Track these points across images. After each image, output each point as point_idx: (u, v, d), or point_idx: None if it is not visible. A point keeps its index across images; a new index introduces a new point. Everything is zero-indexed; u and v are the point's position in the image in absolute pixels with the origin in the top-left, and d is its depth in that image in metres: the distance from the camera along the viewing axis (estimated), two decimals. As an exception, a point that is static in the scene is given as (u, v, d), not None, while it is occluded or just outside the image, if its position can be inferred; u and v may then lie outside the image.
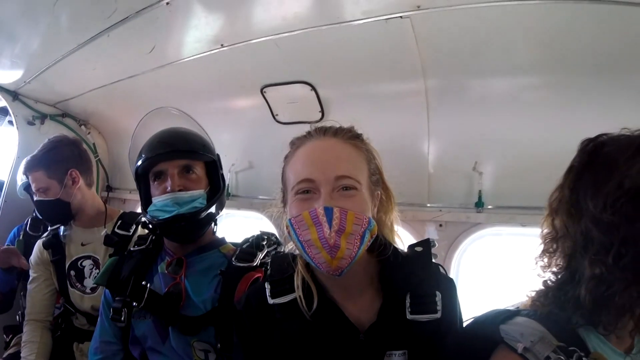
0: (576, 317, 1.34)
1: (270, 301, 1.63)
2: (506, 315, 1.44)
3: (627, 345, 1.38)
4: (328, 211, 1.43)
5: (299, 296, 1.59)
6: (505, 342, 1.36)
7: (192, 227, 2.17)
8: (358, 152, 1.59)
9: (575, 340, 1.30)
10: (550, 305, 1.40)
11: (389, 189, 1.70)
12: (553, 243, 1.47)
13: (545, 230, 1.51)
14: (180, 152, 2.15)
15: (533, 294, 1.50)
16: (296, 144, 1.66)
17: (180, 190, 2.10)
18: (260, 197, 3.70)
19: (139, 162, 2.16)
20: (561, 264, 1.44)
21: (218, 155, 2.33)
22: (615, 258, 1.26)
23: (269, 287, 1.66)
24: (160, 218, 2.09)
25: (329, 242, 1.40)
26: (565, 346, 1.27)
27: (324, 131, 1.63)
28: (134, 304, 2.10)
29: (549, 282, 1.47)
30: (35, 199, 3.12)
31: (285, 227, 1.58)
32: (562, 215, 1.44)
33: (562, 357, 1.24)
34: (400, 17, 2.23)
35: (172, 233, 2.19)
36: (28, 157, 3.14)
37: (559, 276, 1.44)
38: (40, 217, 3.40)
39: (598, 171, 1.37)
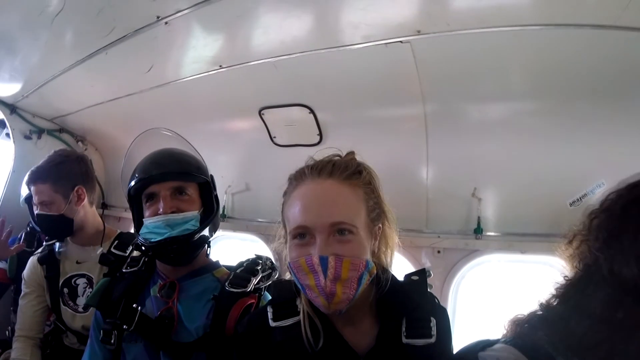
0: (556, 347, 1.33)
1: (272, 324, 1.64)
2: (485, 344, 1.46)
3: None
4: (323, 260, 1.45)
5: (303, 321, 1.60)
6: None
7: (185, 250, 2.12)
8: (355, 192, 1.59)
9: None
10: (534, 334, 1.40)
11: (388, 218, 1.69)
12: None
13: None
14: (173, 174, 2.12)
15: (512, 322, 1.50)
16: (293, 182, 1.67)
17: (173, 212, 2.07)
18: (257, 219, 3.68)
19: (132, 183, 2.14)
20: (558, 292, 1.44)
21: (212, 176, 2.31)
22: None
23: (271, 310, 1.66)
24: (152, 240, 2.06)
25: (325, 290, 1.44)
26: None
27: (319, 171, 1.62)
28: (125, 326, 2.06)
29: (545, 302, 1.46)
30: (36, 212, 3.06)
31: (287, 266, 1.60)
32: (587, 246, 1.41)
33: None
34: (401, 41, 2.22)
35: (164, 256, 2.15)
36: (33, 168, 3.08)
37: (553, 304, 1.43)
38: (38, 230, 3.36)
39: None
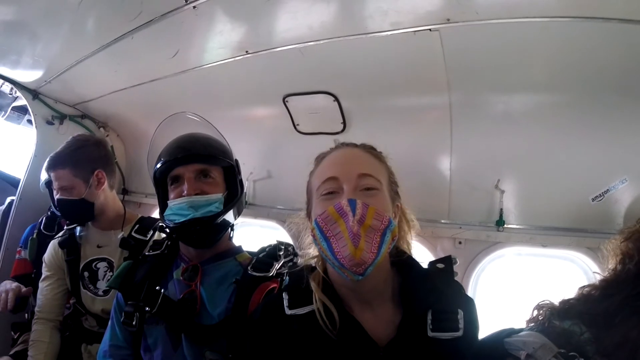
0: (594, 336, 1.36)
1: (288, 312, 1.62)
2: (510, 331, 1.50)
3: None
4: (352, 202, 1.47)
5: (318, 309, 1.57)
6: (509, 353, 1.40)
7: (208, 232, 2.14)
8: (378, 162, 1.67)
9: (577, 349, 1.32)
10: (566, 323, 1.42)
11: (406, 214, 1.74)
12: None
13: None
14: (197, 157, 2.14)
15: (539, 311, 1.54)
16: (319, 158, 1.76)
17: (196, 194, 2.09)
18: (279, 206, 3.67)
19: (157, 166, 2.16)
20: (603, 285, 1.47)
21: (237, 160, 2.32)
22: None
23: (287, 297, 1.65)
24: (176, 222, 2.08)
25: (353, 230, 1.43)
26: (565, 352, 1.31)
27: (347, 144, 1.74)
28: (147, 309, 2.09)
29: (585, 292, 1.50)
30: (57, 197, 3.07)
31: (310, 231, 1.59)
32: None
33: None
34: (430, 29, 2.21)
35: (187, 237, 2.17)
36: (52, 154, 3.10)
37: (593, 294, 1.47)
38: (59, 215, 3.38)
39: None
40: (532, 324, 1.52)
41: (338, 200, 1.50)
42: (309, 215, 1.72)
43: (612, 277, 1.46)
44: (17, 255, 3.64)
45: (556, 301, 1.52)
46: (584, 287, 1.51)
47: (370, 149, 1.70)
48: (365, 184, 1.53)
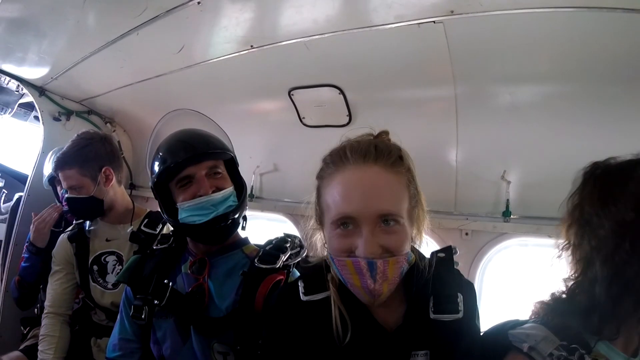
0: (583, 326, 1.42)
1: (304, 298, 1.64)
2: (515, 323, 1.57)
3: (633, 348, 1.44)
4: (371, 265, 1.42)
5: (333, 312, 1.59)
6: (513, 345, 1.47)
7: (230, 227, 2.18)
8: (399, 181, 1.53)
9: (579, 341, 1.39)
10: (559, 316, 1.47)
11: (421, 202, 1.65)
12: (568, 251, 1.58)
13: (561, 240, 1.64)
14: (206, 154, 2.14)
15: (540, 305, 1.58)
16: (331, 166, 1.59)
17: (213, 192, 2.10)
18: (285, 199, 3.66)
19: (162, 169, 2.13)
20: (574, 273, 1.53)
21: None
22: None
23: (303, 284, 1.67)
24: (199, 222, 2.09)
25: (373, 292, 1.45)
26: (567, 344, 1.37)
27: (364, 156, 1.52)
28: (156, 302, 2.10)
29: (556, 294, 1.55)
30: (66, 195, 3.10)
31: (327, 258, 1.61)
32: (576, 223, 1.59)
33: (564, 354, 1.36)
34: (434, 22, 2.20)
35: (210, 235, 2.18)
36: (58, 154, 3.12)
37: (570, 286, 1.53)
38: (65, 211, 3.40)
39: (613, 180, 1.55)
40: (535, 317, 1.57)
41: (355, 239, 1.45)
42: (319, 222, 1.68)
43: (573, 281, 1.52)
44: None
45: (548, 297, 1.56)
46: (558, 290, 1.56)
47: (391, 165, 1.51)
48: (386, 219, 1.45)
